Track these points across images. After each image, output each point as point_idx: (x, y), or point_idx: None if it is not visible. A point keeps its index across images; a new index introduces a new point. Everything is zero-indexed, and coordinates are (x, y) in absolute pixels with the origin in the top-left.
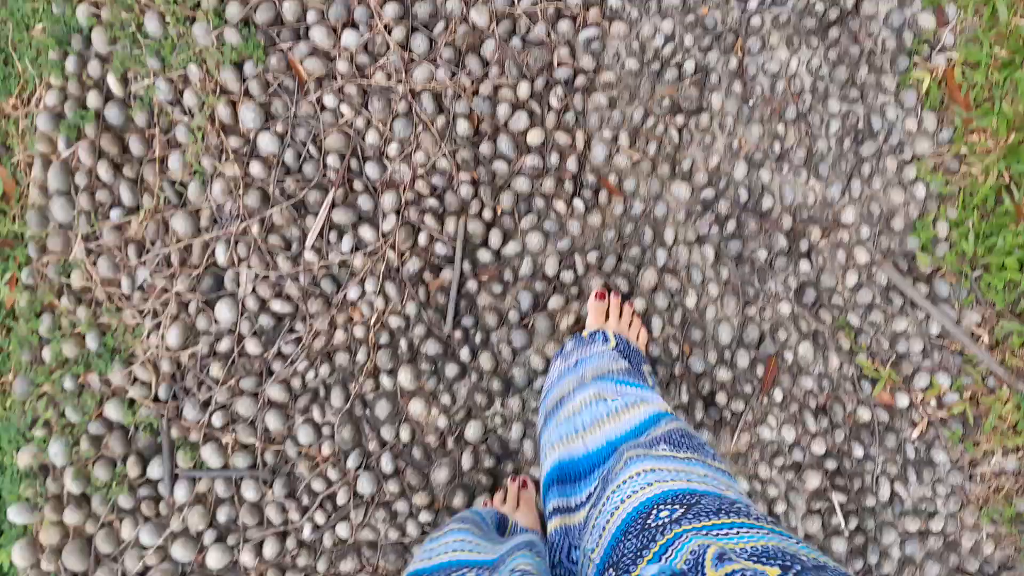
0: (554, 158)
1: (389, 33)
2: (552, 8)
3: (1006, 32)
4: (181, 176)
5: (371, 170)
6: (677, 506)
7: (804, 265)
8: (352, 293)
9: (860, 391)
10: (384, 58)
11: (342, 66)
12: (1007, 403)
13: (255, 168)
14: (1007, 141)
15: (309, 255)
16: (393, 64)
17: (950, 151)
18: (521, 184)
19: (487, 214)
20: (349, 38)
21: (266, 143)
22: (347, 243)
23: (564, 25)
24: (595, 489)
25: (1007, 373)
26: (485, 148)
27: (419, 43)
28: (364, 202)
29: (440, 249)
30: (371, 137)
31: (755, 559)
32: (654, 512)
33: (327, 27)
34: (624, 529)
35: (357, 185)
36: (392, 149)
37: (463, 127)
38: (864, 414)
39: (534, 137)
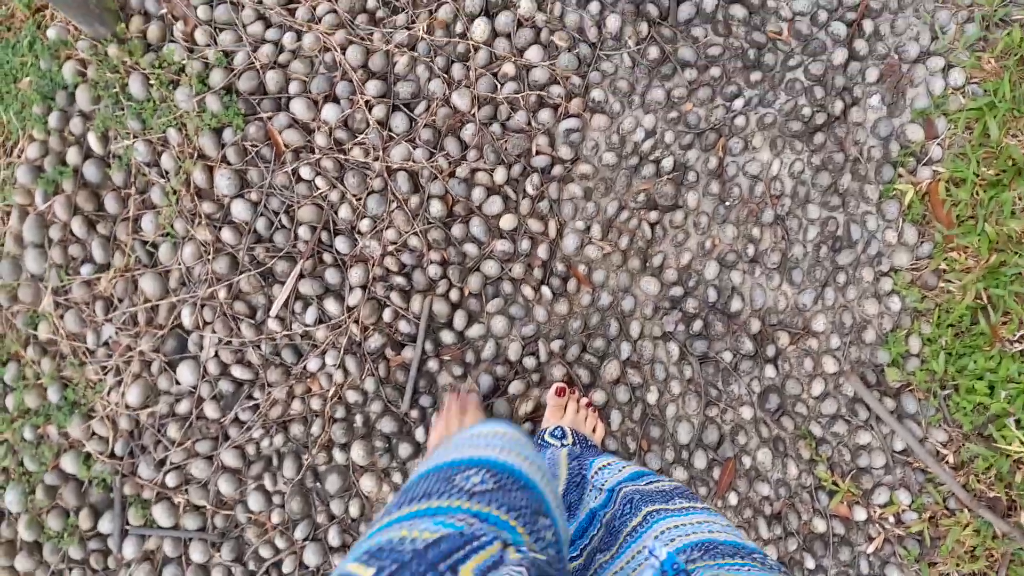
0: (525, 244)
1: (370, 110)
2: (534, 96)
3: (995, 150)
4: (153, 237)
5: (341, 244)
6: (696, 552)
7: (770, 371)
8: (312, 364)
9: (817, 501)
10: (363, 134)
11: (320, 139)
12: (967, 527)
13: (227, 234)
14: (988, 261)
15: (273, 324)
16: (371, 141)
17: (929, 266)
18: (490, 268)
19: (454, 295)
20: (329, 112)
21: (239, 210)
22: (311, 315)
23: (545, 114)
24: (598, 531)
25: (969, 497)
26: (457, 230)
27: (399, 122)
28: (332, 275)
29: (404, 327)
30: (344, 212)
31: None
32: (675, 563)
33: (308, 100)
34: None
35: (326, 258)
36: (364, 224)
37: (437, 208)
38: (819, 525)
39: (507, 222)
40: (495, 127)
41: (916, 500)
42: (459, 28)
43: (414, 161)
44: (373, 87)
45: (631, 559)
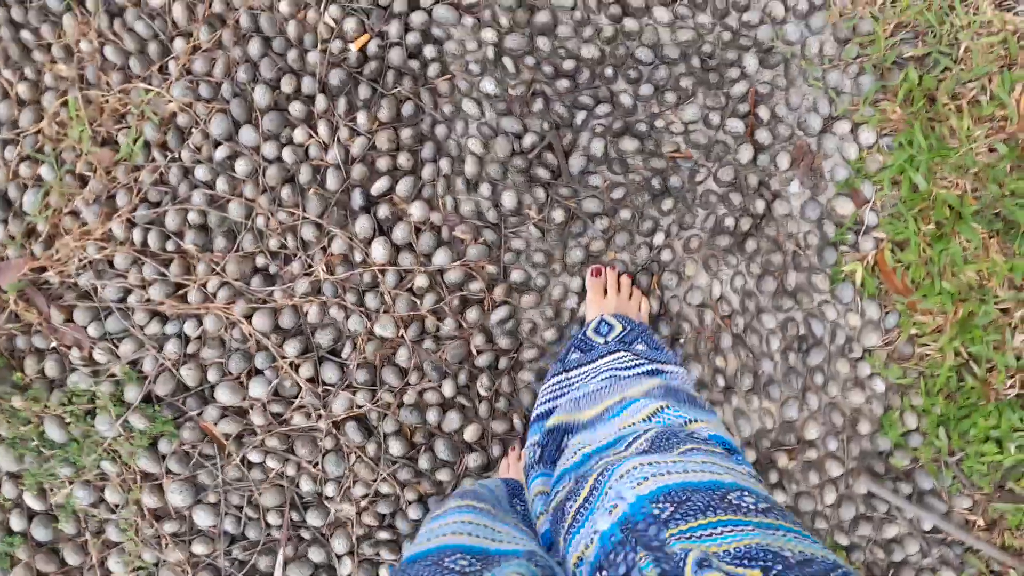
0: (496, 449)
1: (296, 371)
2: (456, 299)
3: (929, 201)
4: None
5: (314, 518)
6: (667, 504)
7: (779, 495)
8: None
9: None
10: (298, 398)
11: (258, 418)
12: None
13: (198, 547)
14: (956, 315)
15: None
16: (309, 402)
17: (900, 337)
18: (469, 485)
19: None
20: (257, 388)
21: (202, 518)
22: None
23: (473, 313)
24: (565, 485)
25: (1008, 556)
26: (424, 461)
27: (330, 373)
28: (316, 553)
29: None
30: (306, 484)
31: (737, 562)
32: (643, 509)
33: (232, 382)
34: (612, 532)
35: (305, 535)
36: (330, 489)
37: (396, 447)
38: None
39: (471, 433)
40: (428, 342)
41: (961, 575)
42: (358, 257)
43: (358, 407)
44: (292, 347)
45: (596, 503)
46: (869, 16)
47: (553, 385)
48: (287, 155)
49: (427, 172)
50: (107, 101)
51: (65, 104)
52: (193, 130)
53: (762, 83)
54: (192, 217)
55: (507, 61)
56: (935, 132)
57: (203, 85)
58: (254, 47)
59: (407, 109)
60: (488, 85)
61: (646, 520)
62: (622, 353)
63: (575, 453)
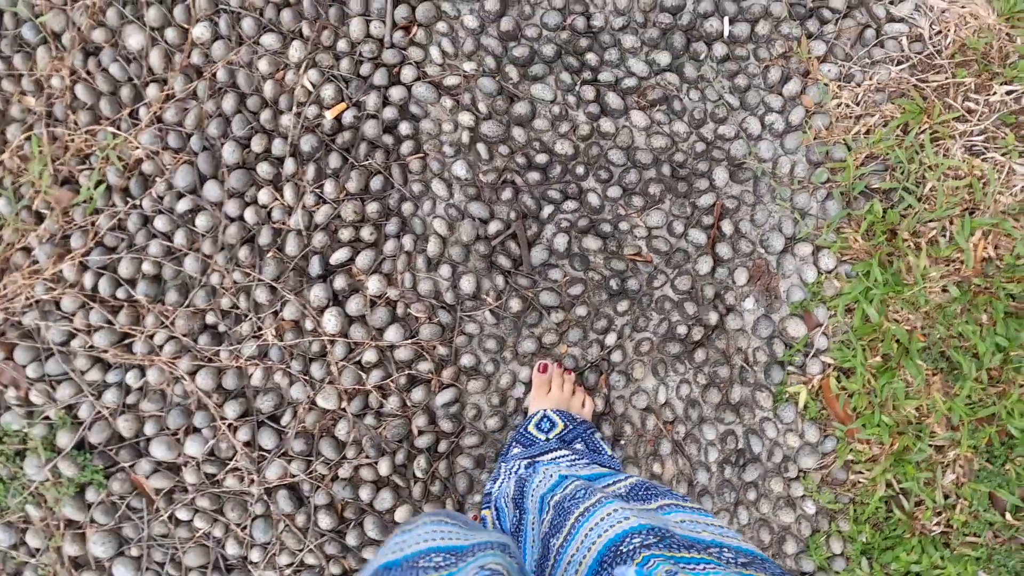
0: None
1: (235, 433)
2: (403, 377)
3: (879, 335)
4: None
5: None
6: (650, 536)
7: None
8: None
9: None
10: (233, 461)
11: (190, 476)
12: None
13: None
14: (892, 448)
15: None
16: (243, 466)
17: (836, 462)
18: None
19: None
20: (193, 446)
21: (122, 572)
22: None
23: (419, 393)
24: (547, 515)
25: None
26: (352, 537)
27: (267, 439)
28: None
29: None
30: (231, 547)
31: None
32: (627, 539)
33: (168, 438)
34: (599, 560)
35: None
36: (255, 555)
37: (326, 520)
38: None
39: (401, 514)
40: (369, 418)
41: None
42: (309, 325)
43: (292, 475)
44: (232, 408)
45: (581, 543)
46: (843, 143)
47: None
48: (249, 215)
49: (389, 247)
50: (72, 140)
51: (29, 139)
52: (157, 179)
53: (729, 197)
54: (146, 267)
55: (481, 147)
56: (893, 266)
57: (172, 134)
58: (228, 102)
59: (376, 183)
60: (460, 169)
61: (628, 542)
62: (563, 451)
63: (550, 476)
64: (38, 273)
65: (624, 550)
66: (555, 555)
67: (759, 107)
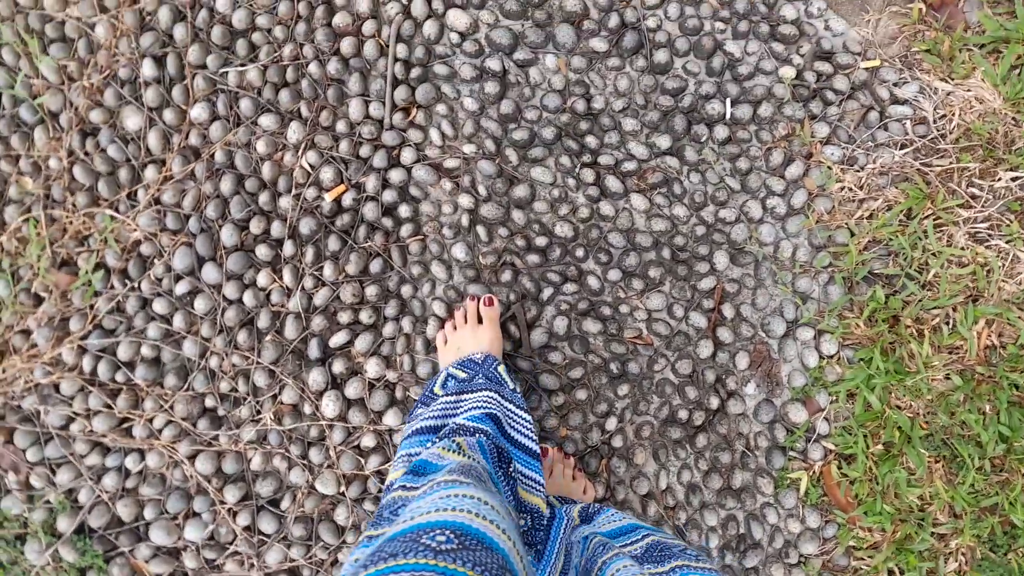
0: None
1: (234, 518)
2: None
3: (881, 422)
4: None
5: None
6: None
7: None
8: None
9: None
10: (233, 545)
11: (190, 561)
12: None
13: None
14: (894, 536)
15: None
16: (243, 551)
17: (837, 548)
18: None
19: None
20: (192, 531)
21: None
22: None
23: None
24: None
25: None
26: None
27: (267, 523)
28: None
29: None
30: None
31: None
32: None
33: (167, 522)
34: None
35: None
36: None
37: None
38: None
39: None
40: (368, 503)
41: None
42: (308, 409)
43: (292, 560)
44: (232, 493)
45: None
46: (846, 227)
47: None
48: (248, 298)
49: (388, 329)
50: (71, 222)
51: (27, 221)
52: (156, 261)
53: (730, 280)
54: (145, 350)
55: (481, 229)
56: (895, 353)
57: (170, 216)
58: (226, 184)
59: (375, 265)
60: (459, 251)
61: None
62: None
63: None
64: (37, 357)
65: None
66: None
67: (761, 190)
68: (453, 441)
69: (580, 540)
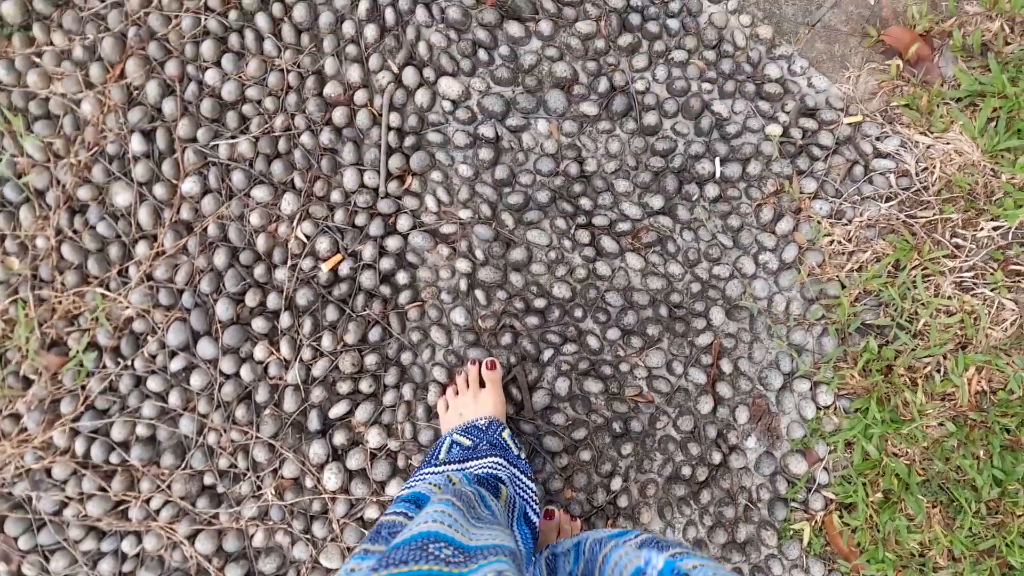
0: None
1: None
2: None
3: (879, 470)
4: None
5: None
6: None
7: None
8: None
9: None
10: None
11: None
12: None
13: None
14: None
15: None
16: None
17: None
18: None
19: None
20: None
21: None
22: None
23: None
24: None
25: None
26: None
27: None
28: None
29: None
30: None
31: None
32: (677, 565)
33: None
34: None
35: None
36: None
37: None
38: None
39: None
40: None
41: None
42: (309, 483)
43: None
44: (234, 572)
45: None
46: (837, 280)
47: None
48: (245, 372)
49: (389, 397)
50: (60, 302)
51: (15, 302)
52: (149, 338)
53: (727, 335)
54: (140, 430)
55: (479, 293)
56: (890, 402)
57: (163, 292)
58: (220, 257)
59: (374, 333)
60: (458, 315)
61: (675, 573)
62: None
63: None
64: (27, 441)
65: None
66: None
67: (752, 245)
68: (446, 477)
69: (570, 549)
